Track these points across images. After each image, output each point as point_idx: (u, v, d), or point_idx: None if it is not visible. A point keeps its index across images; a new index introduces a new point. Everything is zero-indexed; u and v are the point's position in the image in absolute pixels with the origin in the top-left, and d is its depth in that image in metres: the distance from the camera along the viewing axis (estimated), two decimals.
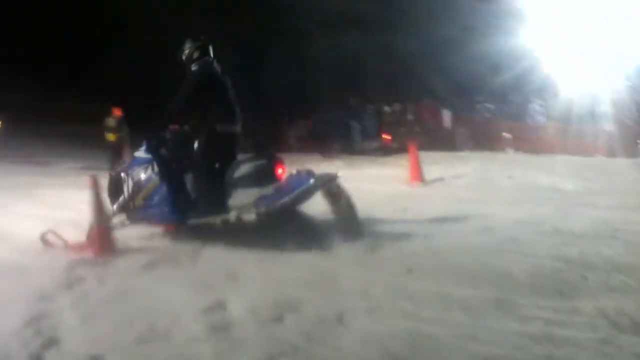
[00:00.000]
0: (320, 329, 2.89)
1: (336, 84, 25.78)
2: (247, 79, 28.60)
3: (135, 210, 5.04)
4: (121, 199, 5.09)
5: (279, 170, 4.48)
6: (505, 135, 15.97)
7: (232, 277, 3.76)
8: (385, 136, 18.10)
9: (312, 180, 4.43)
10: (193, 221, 4.65)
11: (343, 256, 4.23)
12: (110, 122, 14.08)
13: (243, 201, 4.48)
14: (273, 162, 4.61)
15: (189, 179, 4.82)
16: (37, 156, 16.29)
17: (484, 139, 16.25)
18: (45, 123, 24.67)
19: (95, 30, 28.97)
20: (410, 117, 18.49)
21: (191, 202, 4.72)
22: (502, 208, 6.20)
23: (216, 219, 4.49)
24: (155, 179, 4.89)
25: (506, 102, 16.97)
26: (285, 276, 3.72)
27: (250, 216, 4.35)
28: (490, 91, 17.57)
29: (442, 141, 16.70)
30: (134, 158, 5.30)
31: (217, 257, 4.38)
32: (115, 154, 14.05)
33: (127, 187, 5.06)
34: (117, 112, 14.20)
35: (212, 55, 4.93)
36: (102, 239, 4.55)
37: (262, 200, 4.39)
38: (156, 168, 4.89)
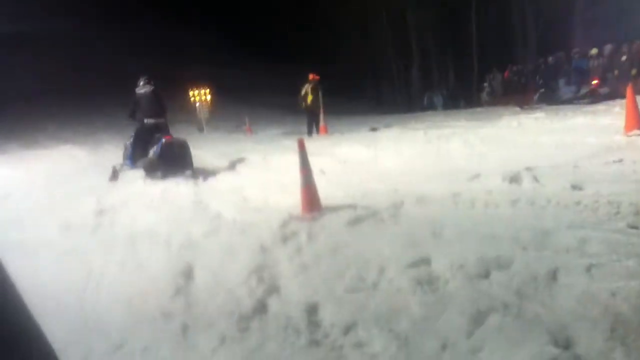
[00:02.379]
0: (532, 286, 2.77)
1: (537, 30, 23.87)
2: (446, 36, 27.90)
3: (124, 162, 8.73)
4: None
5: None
6: None
7: (436, 234, 3.75)
8: (594, 82, 16.26)
9: (163, 140, 7.93)
10: (137, 165, 8.19)
11: (556, 214, 3.98)
12: (307, 88, 14.68)
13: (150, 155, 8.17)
14: (166, 137, 8.09)
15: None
16: (244, 125, 17.88)
17: None
18: (250, 94, 26.95)
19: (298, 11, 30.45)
20: (624, 58, 16.30)
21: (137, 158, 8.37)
22: None
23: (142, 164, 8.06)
24: (130, 145, 8.60)
25: None
26: (493, 233, 3.61)
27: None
28: None
29: None
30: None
31: (419, 214, 4.43)
32: (312, 118, 14.74)
33: (124, 149, 8.87)
34: (312, 78, 14.77)
35: (149, 83, 8.62)
36: (310, 197, 4.87)
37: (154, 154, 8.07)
38: (132, 140, 8.57)
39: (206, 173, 8.37)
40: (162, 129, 8.43)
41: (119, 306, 3.47)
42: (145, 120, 8.39)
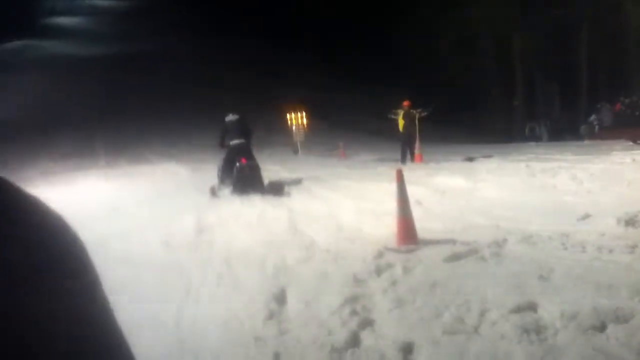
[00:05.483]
0: None
1: None
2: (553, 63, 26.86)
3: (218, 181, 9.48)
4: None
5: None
6: None
7: (543, 278, 3.51)
8: None
9: (237, 164, 8.75)
10: (225, 184, 9.01)
11: None
12: (400, 114, 14.57)
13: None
14: (242, 160, 8.87)
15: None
16: (338, 149, 17.99)
17: None
18: (343, 117, 27.20)
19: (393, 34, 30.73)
20: None
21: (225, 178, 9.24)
22: None
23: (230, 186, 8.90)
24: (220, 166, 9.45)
25: None
26: (608, 281, 3.31)
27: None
28: None
29: None
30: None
31: (524, 254, 4.17)
32: (405, 145, 14.55)
33: (217, 170, 9.52)
34: (407, 104, 14.65)
35: (235, 114, 9.69)
36: (406, 229, 4.75)
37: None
38: (221, 162, 9.40)
39: (301, 197, 8.45)
40: (244, 150, 9.26)
41: (213, 326, 3.52)
42: (231, 143, 9.31)
